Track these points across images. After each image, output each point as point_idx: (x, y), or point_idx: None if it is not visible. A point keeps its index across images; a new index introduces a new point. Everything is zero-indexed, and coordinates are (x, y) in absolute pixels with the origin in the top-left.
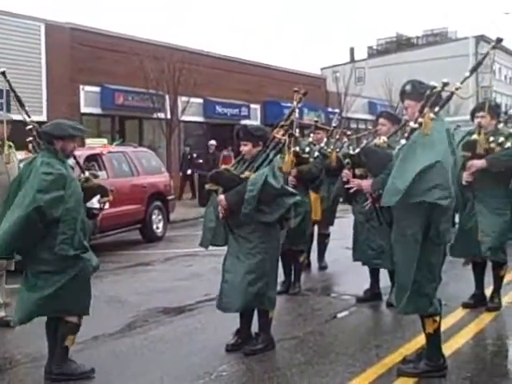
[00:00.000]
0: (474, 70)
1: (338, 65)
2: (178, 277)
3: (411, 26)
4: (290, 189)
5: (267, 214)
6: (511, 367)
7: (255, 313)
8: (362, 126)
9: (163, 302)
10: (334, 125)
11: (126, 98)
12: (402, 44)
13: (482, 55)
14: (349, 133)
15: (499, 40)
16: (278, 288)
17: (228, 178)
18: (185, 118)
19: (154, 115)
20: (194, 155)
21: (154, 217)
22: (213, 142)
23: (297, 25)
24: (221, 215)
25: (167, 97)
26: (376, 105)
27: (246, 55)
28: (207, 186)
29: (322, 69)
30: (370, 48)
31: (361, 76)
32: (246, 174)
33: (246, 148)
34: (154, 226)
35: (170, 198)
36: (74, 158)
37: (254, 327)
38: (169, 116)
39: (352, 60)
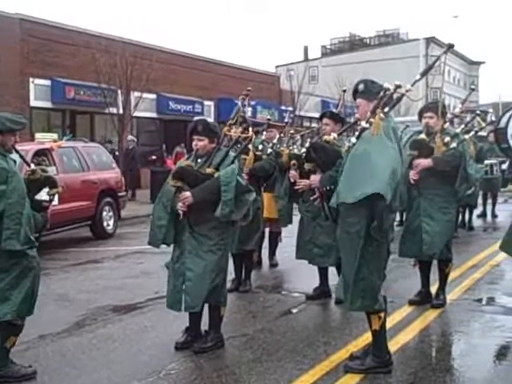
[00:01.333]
0: (424, 73)
1: (293, 63)
2: (129, 274)
3: (364, 26)
4: (249, 186)
5: (234, 213)
6: (454, 362)
7: (204, 310)
8: (314, 124)
9: (113, 299)
10: (286, 120)
11: (78, 92)
12: (354, 44)
13: (432, 57)
14: (292, 131)
15: (451, 46)
16: (228, 286)
17: (193, 174)
18: (137, 113)
19: (106, 110)
20: (116, 152)
21: (104, 213)
22: (131, 137)
23: (253, 23)
24: (181, 212)
25: (119, 91)
26: (329, 103)
27: (200, 52)
28: (171, 183)
29: (276, 67)
30: (323, 47)
31: (314, 75)
32: (208, 170)
33: (201, 143)
34: (105, 223)
35: (121, 194)
36: (16, 151)
37: (204, 325)
38: (121, 111)
39: (306, 59)
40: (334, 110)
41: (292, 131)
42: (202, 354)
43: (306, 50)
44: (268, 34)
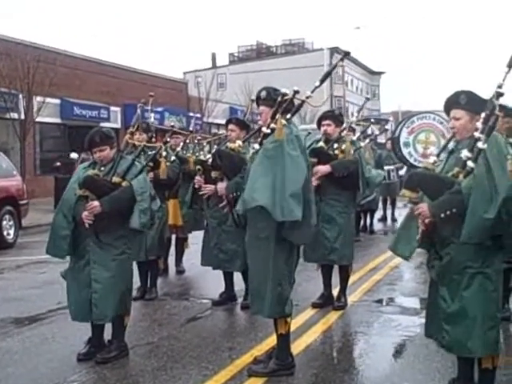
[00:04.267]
0: (323, 80)
1: (201, 70)
2: (30, 285)
3: (271, 35)
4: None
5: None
6: (354, 362)
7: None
8: (222, 131)
9: (13, 311)
10: (190, 129)
11: None
12: (261, 52)
13: (337, 66)
14: (199, 138)
15: (346, 53)
16: (134, 294)
17: (101, 184)
18: (40, 118)
19: (7, 115)
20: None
21: (4, 222)
22: None
23: (161, 29)
24: (86, 222)
25: (21, 96)
26: (237, 110)
27: (107, 57)
28: (79, 192)
29: (184, 73)
30: (231, 55)
31: (222, 82)
32: (115, 179)
33: (103, 153)
34: (5, 232)
35: (22, 202)
36: None
37: (108, 335)
38: (22, 116)
39: (214, 66)
40: (240, 117)
41: (199, 137)
42: (106, 364)
43: (213, 57)
44: (176, 40)
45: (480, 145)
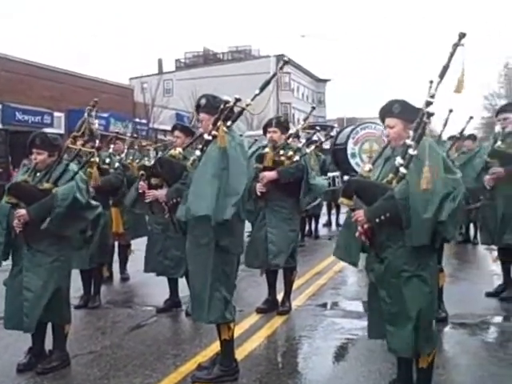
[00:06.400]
0: (262, 88)
1: (147, 76)
2: None
3: (218, 41)
4: (93, 202)
5: (69, 228)
6: (297, 365)
7: (48, 329)
8: (169, 137)
9: None
10: (134, 135)
11: None
12: (208, 59)
13: (283, 74)
14: (144, 143)
15: (285, 62)
16: (77, 302)
17: (28, 190)
18: None
19: None
20: None
21: None
22: None
23: (107, 34)
24: (17, 229)
25: None
26: (183, 117)
27: (52, 62)
28: (5, 199)
29: (130, 79)
30: (177, 61)
31: (169, 88)
32: (46, 185)
33: (40, 157)
34: None
35: None
36: None
37: (49, 344)
38: None
39: (160, 72)
40: (186, 124)
41: (145, 143)
42: (46, 374)
43: (160, 62)
44: (122, 46)
45: (411, 151)
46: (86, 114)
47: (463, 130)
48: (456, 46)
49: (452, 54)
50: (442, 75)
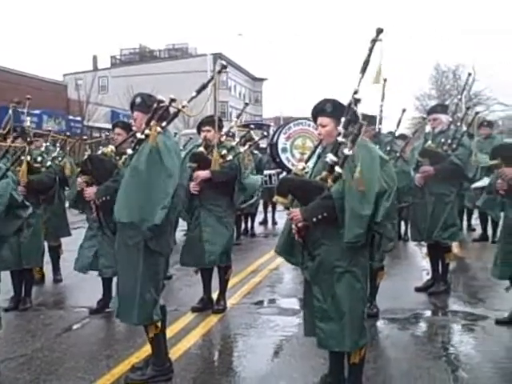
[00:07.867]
0: (199, 91)
1: (81, 72)
2: None
3: (154, 39)
4: (25, 201)
5: (5, 227)
6: (232, 364)
7: None
8: (104, 134)
9: None
10: (67, 134)
11: None
12: (145, 56)
13: (219, 72)
14: (83, 138)
15: (224, 66)
16: (7, 305)
17: None
18: None
19: None
20: None
21: None
22: None
23: (40, 29)
24: None
25: None
26: (119, 114)
27: None
28: None
29: (64, 75)
30: (113, 57)
31: (104, 85)
32: None
33: None
34: None
35: None
36: None
37: None
38: None
39: (95, 68)
40: (127, 121)
41: (83, 138)
42: None
43: (94, 59)
44: (56, 41)
45: (346, 151)
46: (10, 111)
47: (400, 122)
48: (374, 41)
49: (371, 49)
50: (363, 70)
